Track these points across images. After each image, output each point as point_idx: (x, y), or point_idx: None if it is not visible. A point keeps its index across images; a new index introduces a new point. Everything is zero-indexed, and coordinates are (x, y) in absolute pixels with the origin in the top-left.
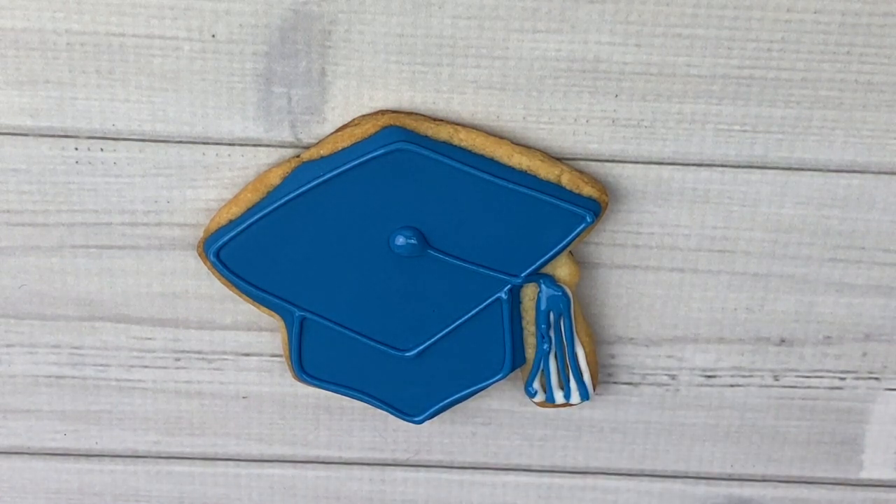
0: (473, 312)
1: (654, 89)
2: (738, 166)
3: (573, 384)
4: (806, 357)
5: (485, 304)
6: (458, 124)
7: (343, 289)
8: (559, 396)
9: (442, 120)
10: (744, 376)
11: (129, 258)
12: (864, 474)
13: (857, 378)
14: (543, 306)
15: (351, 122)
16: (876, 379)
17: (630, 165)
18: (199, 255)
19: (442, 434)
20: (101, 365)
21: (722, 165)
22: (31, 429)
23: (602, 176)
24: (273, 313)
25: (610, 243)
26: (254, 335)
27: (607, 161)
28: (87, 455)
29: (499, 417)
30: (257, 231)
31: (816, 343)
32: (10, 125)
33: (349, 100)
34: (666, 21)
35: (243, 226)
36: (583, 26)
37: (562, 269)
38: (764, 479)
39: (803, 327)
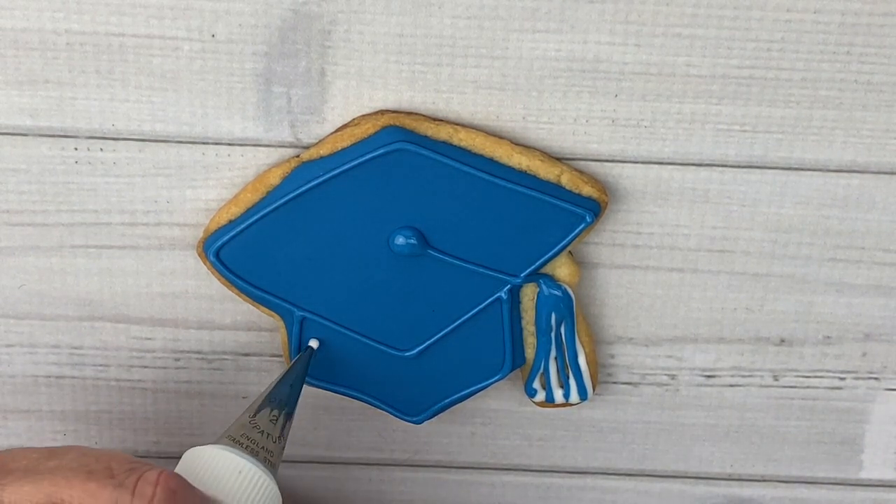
0: (473, 312)
1: (654, 89)
2: (738, 166)
3: (573, 383)
4: (806, 357)
5: (484, 304)
6: (457, 124)
7: (343, 289)
8: (559, 395)
9: (442, 120)
10: (744, 376)
11: (128, 258)
12: (864, 474)
13: (857, 378)
14: (543, 306)
15: (351, 122)
16: (876, 379)
17: (630, 165)
18: (199, 255)
19: (441, 434)
20: (101, 365)
21: (722, 165)
22: (31, 429)
23: (602, 176)
24: (273, 313)
25: (610, 243)
26: (254, 335)
27: (607, 161)
28: None
29: (498, 417)
30: (257, 231)
31: (816, 343)
32: (10, 125)
33: (349, 100)
34: (666, 21)
35: (243, 226)
36: (583, 26)
37: (562, 269)
38: (764, 479)
39: (803, 327)
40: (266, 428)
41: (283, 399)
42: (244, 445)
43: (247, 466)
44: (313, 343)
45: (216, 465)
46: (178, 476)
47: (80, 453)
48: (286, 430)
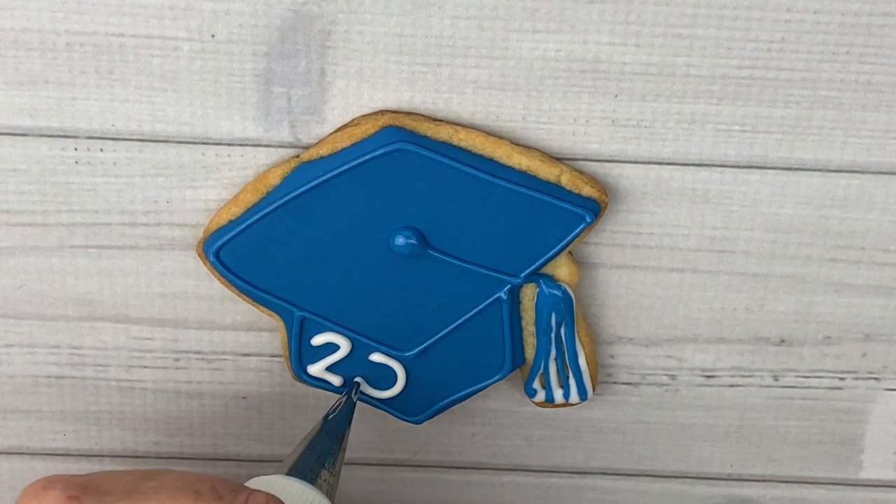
0: (473, 312)
1: (654, 89)
2: (738, 166)
3: (573, 383)
4: (806, 357)
5: (484, 304)
6: (457, 124)
7: (343, 289)
8: (559, 395)
9: (442, 120)
10: (743, 376)
11: (128, 258)
12: (864, 474)
13: (857, 378)
14: (543, 306)
15: (351, 122)
16: (876, 379)
17: (630, 165)
18: (199, 255)
19: (441, 434)
20: (101, 365)
21: (722, 165)
22: (31, 429)
23: (602, 176)
24: (273, 313)
25: (610, 243)
26: (254, 335)
27: (607, 161)
28: (87, 455)
29: (498, 417)
30: (257, 231)
31: (816, 343)
32: (10, 125)
33: (349, 100)
34: (666, 21)
35: (243, 226)
36: (583, 26)
37: (562, 269)
38: (764, 479)
39: (803, 327)
40: (325, 461)
41: (339, 434)
42: (308, 477)
43: (316, 498)
44: (359, 378)
45: (287, 494)
46: (281, 501)
47: (179, 474)
48: (340, 462)
